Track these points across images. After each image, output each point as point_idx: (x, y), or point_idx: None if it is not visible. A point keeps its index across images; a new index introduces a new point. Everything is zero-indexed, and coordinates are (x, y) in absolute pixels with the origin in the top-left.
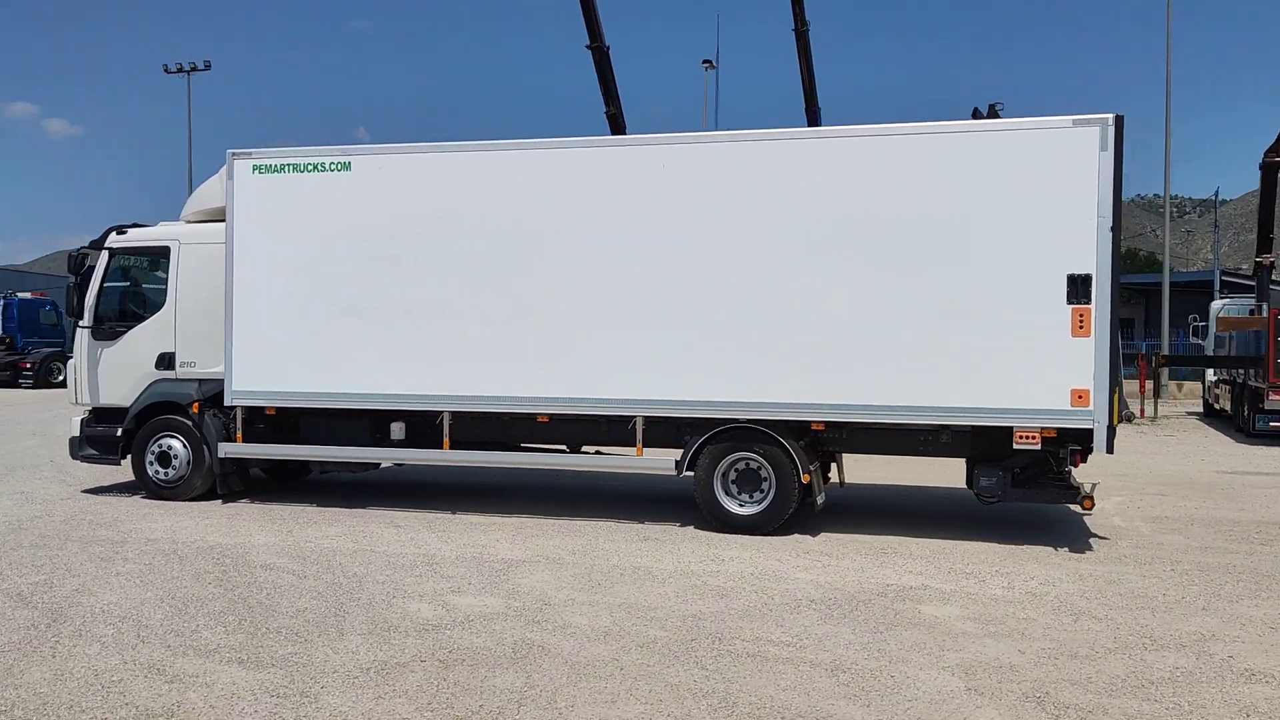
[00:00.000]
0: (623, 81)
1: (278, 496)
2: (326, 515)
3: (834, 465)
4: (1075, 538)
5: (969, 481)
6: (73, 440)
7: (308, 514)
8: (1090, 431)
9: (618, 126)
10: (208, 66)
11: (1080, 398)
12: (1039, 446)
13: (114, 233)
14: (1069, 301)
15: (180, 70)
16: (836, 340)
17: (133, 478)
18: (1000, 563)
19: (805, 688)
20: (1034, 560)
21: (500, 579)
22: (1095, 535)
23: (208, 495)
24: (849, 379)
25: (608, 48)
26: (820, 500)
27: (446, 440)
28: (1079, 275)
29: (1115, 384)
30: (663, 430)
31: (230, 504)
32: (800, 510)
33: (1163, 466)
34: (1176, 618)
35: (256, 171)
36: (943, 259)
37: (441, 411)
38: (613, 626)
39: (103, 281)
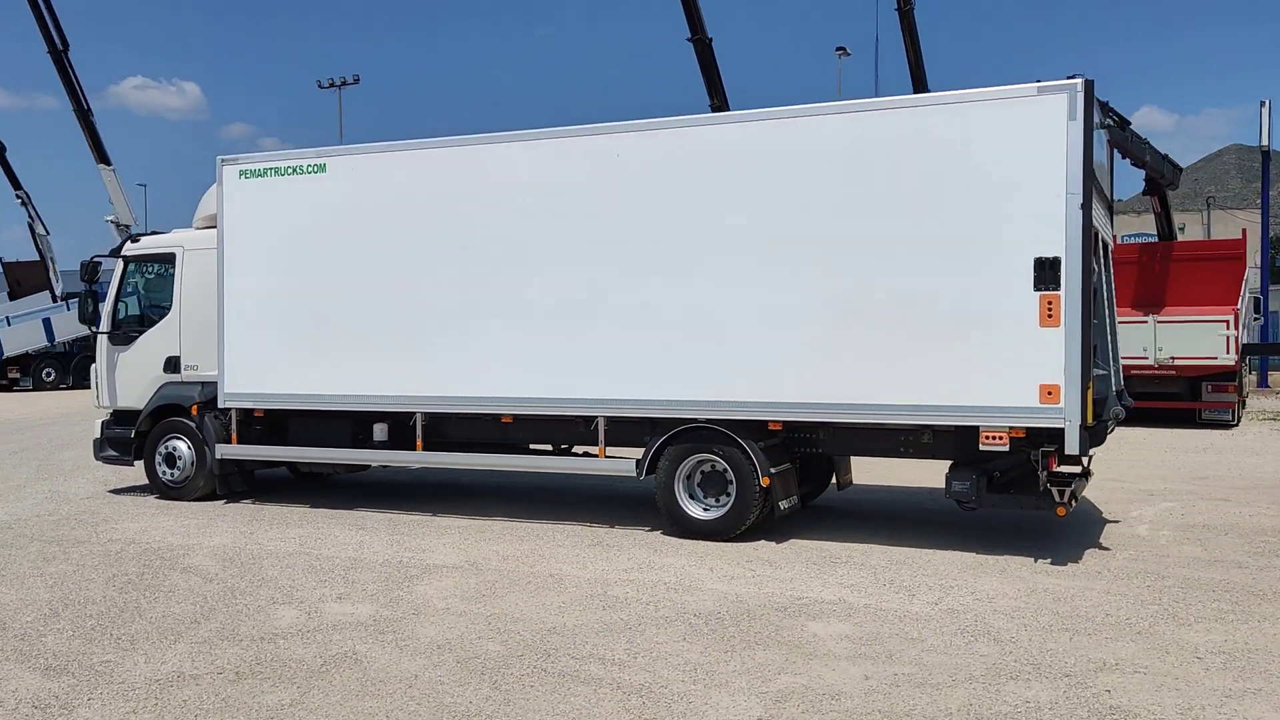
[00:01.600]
0: (752, 70)
1: (279, 497)
2: (306, 517)
3: (836, 467)
4: (1070, 548)
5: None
6: (95, 442)
7: (290, 515)
8: (1061, 432)
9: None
10: (356, 80)
11: (1050, 394)
12: (1007, 448)
13: (129, 241)
14: (1036, 288)
15: (332, 85)
16: (791, 335)
17: None
18: (954, 575)
19: (587, 712)
20: (997, 573)
21: (401, 586)
22: (1098, 546)
23: (212, 496)
24: (806, 376)
25: (710, 40)
26: (785, 505)
27: (419, 442)
28: (1047, 259)
29: (1088, 379)
30: (629, 431)
31: (231, 504)
32: (798, 514)
33: (1246, 468)
34: (1096, 642)
35: (243, 176)
36: (901, 244)
37: (414, 413)
38: (455, 640)
39: (119, 288)
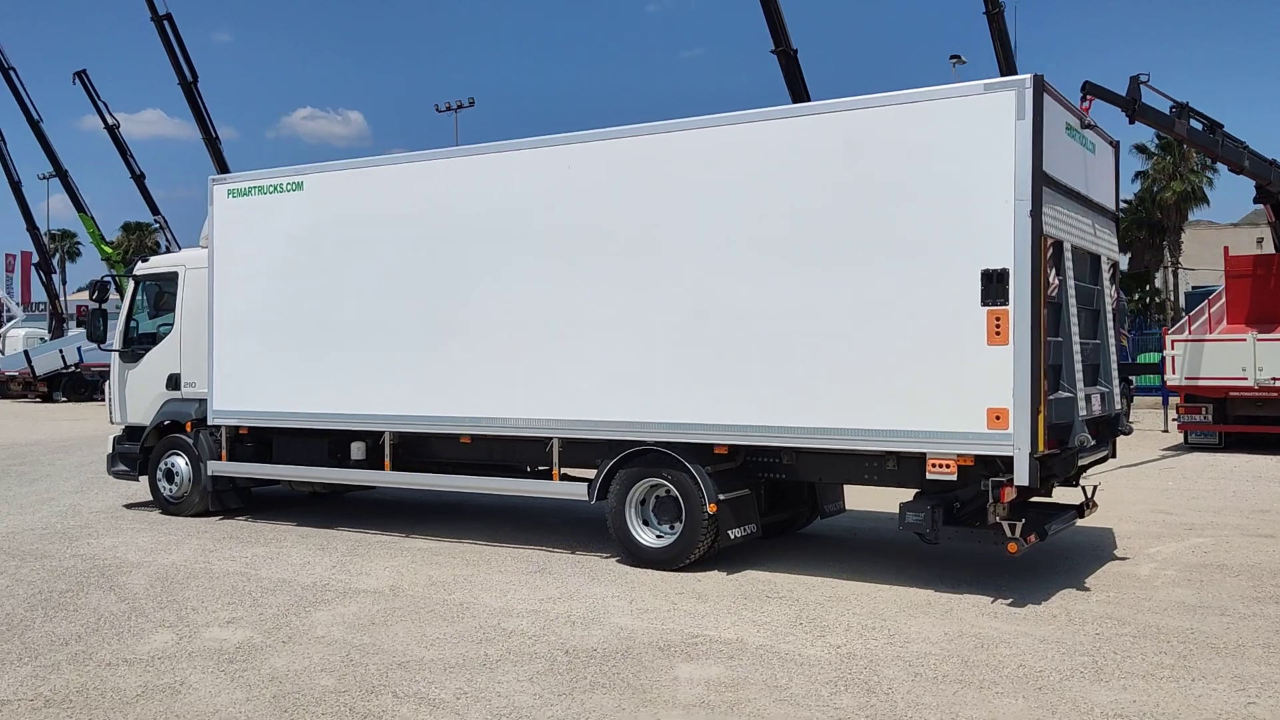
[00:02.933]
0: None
1: (273, 515)
2: (279, 535)
3: (819, 493)
4: (1045, 586)
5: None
6: (108, 457)
7: (265, 534)
8: (1010, 460)
9: None
10: (471, 103)
11: (998, 419)
12: (955, 477)
13: (141, 260)
14: (984, 302)
15: (449, 109)
16: (734, 354)
17: None
18: (889, 615)
19: None
20: (939, 614)
21: (300, 611)
22: (1078, 586)
23: (210, 512)
24: (751, 397)
25: (795, 51)
26: (737, 534)
27: (387, 461)
28: (994, 270)
29: (1039, 402)
30: (589, 453)
31: (224, 521)
32: (770, 542)
33: None
34: (982, 698)
35: (231, 195)
36: (846, 257)
37: (383, 432)
38: (296, 671)
39: (130, 306)
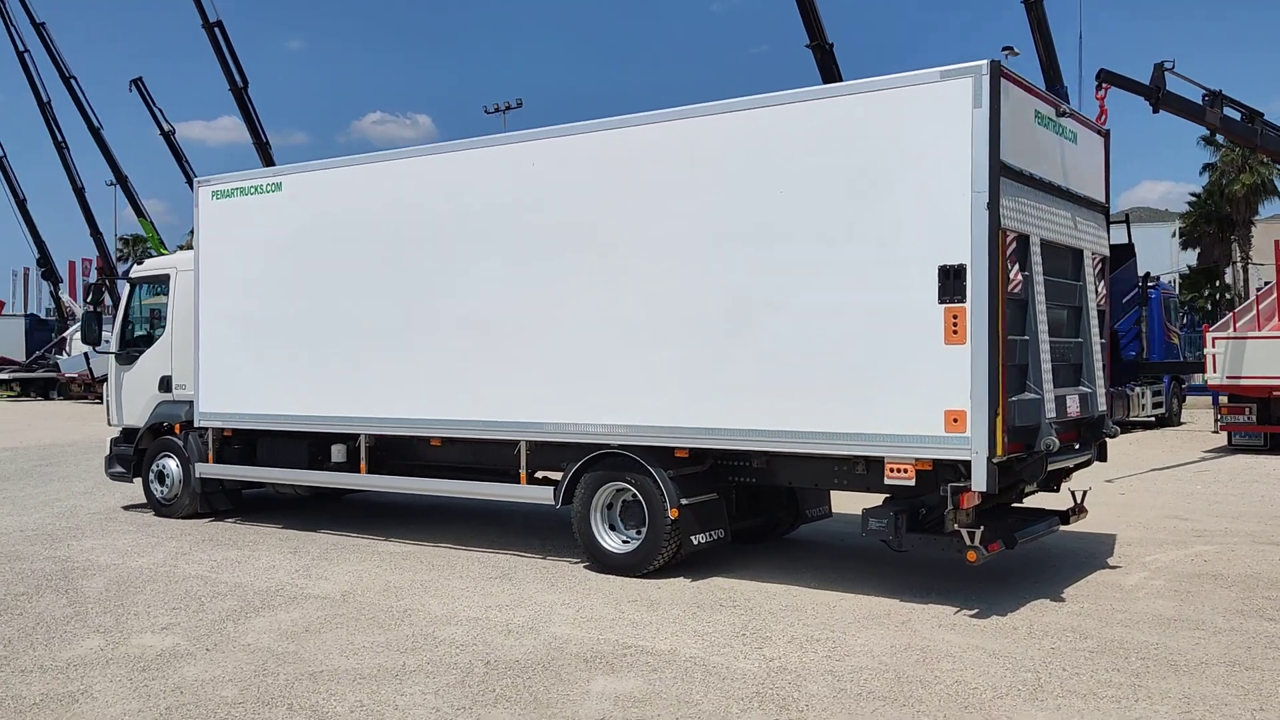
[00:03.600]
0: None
1: (261, 517)
2: (257, 539)
3: (800, 498)
4: (1019, 596)
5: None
6: (105, 459)
7: (244, 537)
8: (968, 464)
9: None
10: (520, 104)
11: (955, 421)
12: (913, 482)
13: (136, 263)
14: (941, 300)
15: (498, 110)
16: (691, 355)
17: None
18: (841, 625)
19: None
20: (896, 624)
21: (241, 618)
22: (1053, 596)
23: (200, 514)
24: (711, 398)
25: (830, 45)
26: (701, 540)
27: (363, 464)
28: (951, 267)
29: (997, 404)
30: (556, 456)
31: (211, 524)
32: (757, 546)
33: None
34: (905, 715)
35: (215, 197)
36: (804, 253)
37: (359, 434)
38: (205, 681)
39: (125, 309)
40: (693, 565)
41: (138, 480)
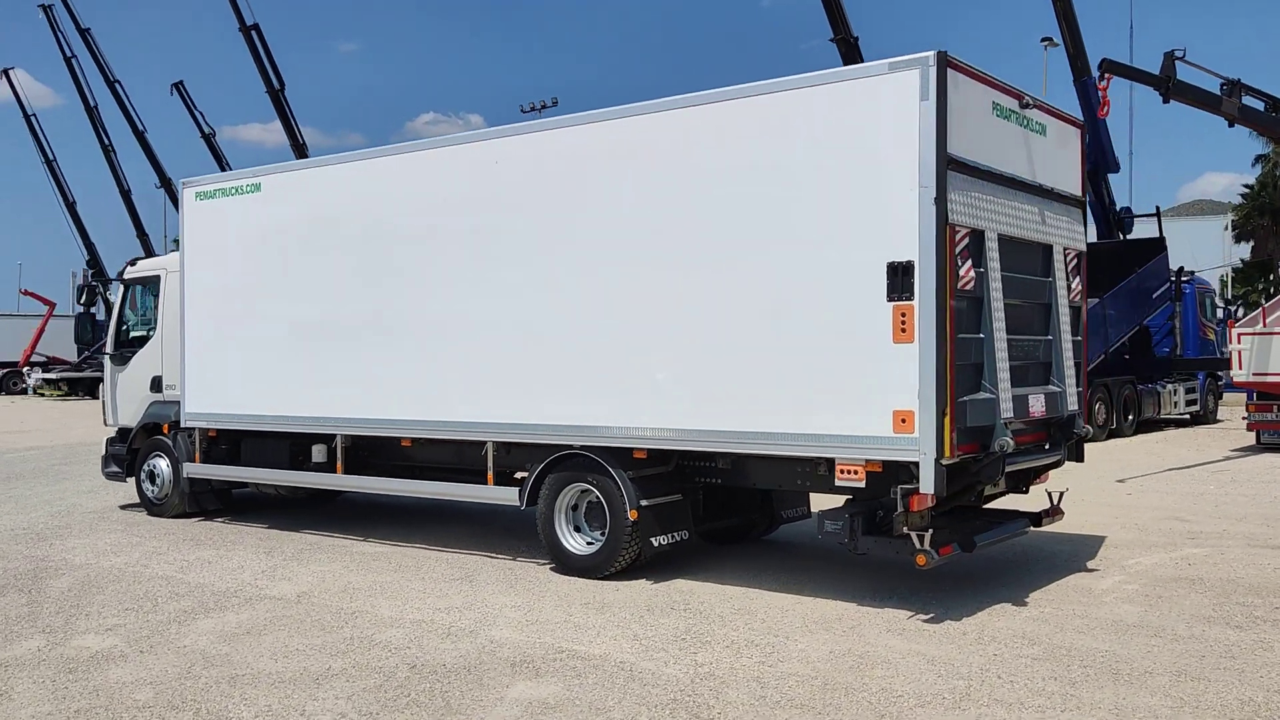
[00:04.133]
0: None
1: (250, 517)
2: (236, 538)
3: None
4: (979, 600)
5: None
6: (101, 458)
7: (225, 537)
8: (916, 465)
9: None
10: (555, 103)
11: (904, 422)
12: (863, 484)
13: (129, 264)
14: (889, 297)
15: (534, 109)
16: (642, 356)
17: None
18: (787, 630)
19: None
20: (844, 629)
21: (188, 619)
22: (1014, 601)
23: (189, 514)
24: (664, 400)
25: (855, 39)
26: (663, 542)
27: (339, 465)
28: (899, 263)
29: (944, 404)
30: (525, 457)
31: (199, 523)
32: (733, 548)
33: None
34: (807, 718)
35: (198, 198)
36: (752, 252)
37: (335, 434)
38: (123, 684)
39: (120, 310)
40: (657, 567)
41: (132, 480)
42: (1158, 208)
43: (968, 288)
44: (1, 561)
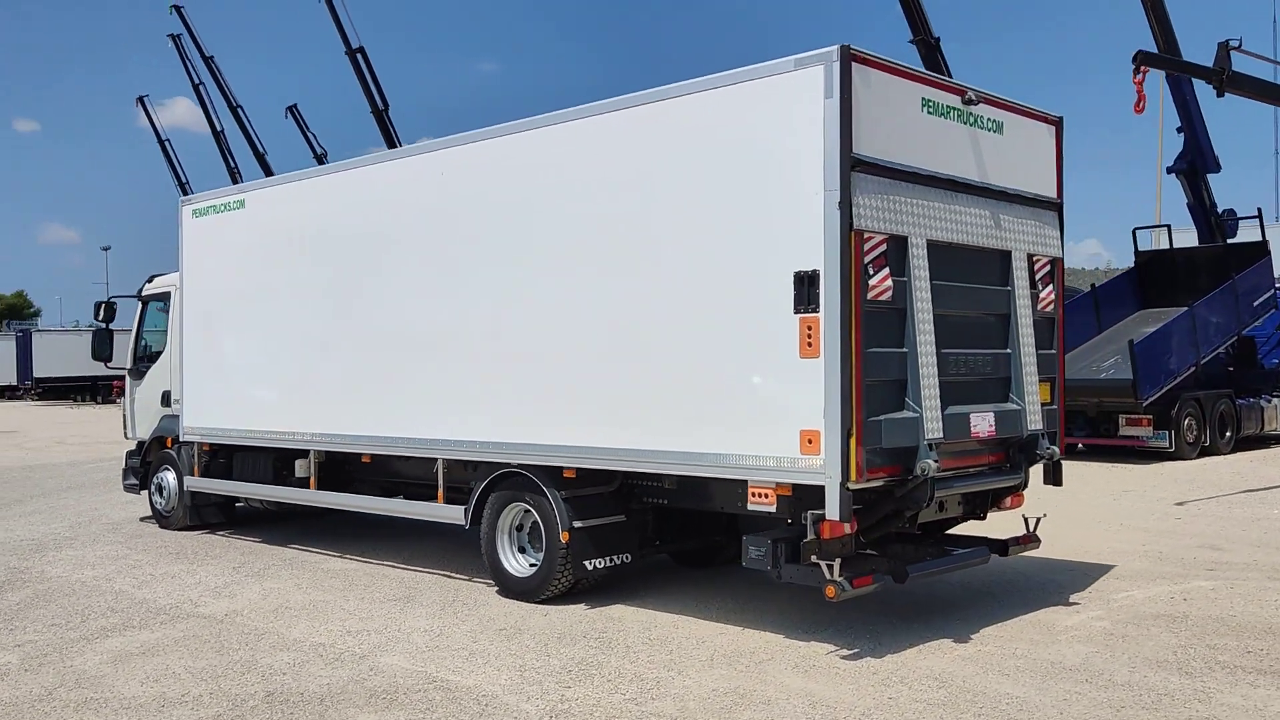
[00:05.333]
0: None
1: (250, 531)
2: (221, 552)
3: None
4: (919, 635)
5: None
6: (121, 471)
7: (211, 550)
8: (821, 490)
9: None
10: None
11: (810, 443)
12: (774, 509)
13: (148, 281)
14: (796, 310)
15: None
16: (566, 371)
17: None
18: (686, 665)
19: None
20: (752, 665)
21: (102, 637)
22: (957, 637)
23: (192, 526)
24: (586, 417)
25: (936, 40)
26: (598, 566)
27: (313, 480)
28: (805, 273)
29: (849, 424)
30: (475, 475)
31: (196, 536)
32: (697, 573)
33: None
34: None
35: (194, 215)
36: (661, 264)
37: (308, 449)
38: None
39: (138, 326)
40: (605, 590)
41: (145, 493)
42: (1259, 210)
43: (882, 298)
44: None
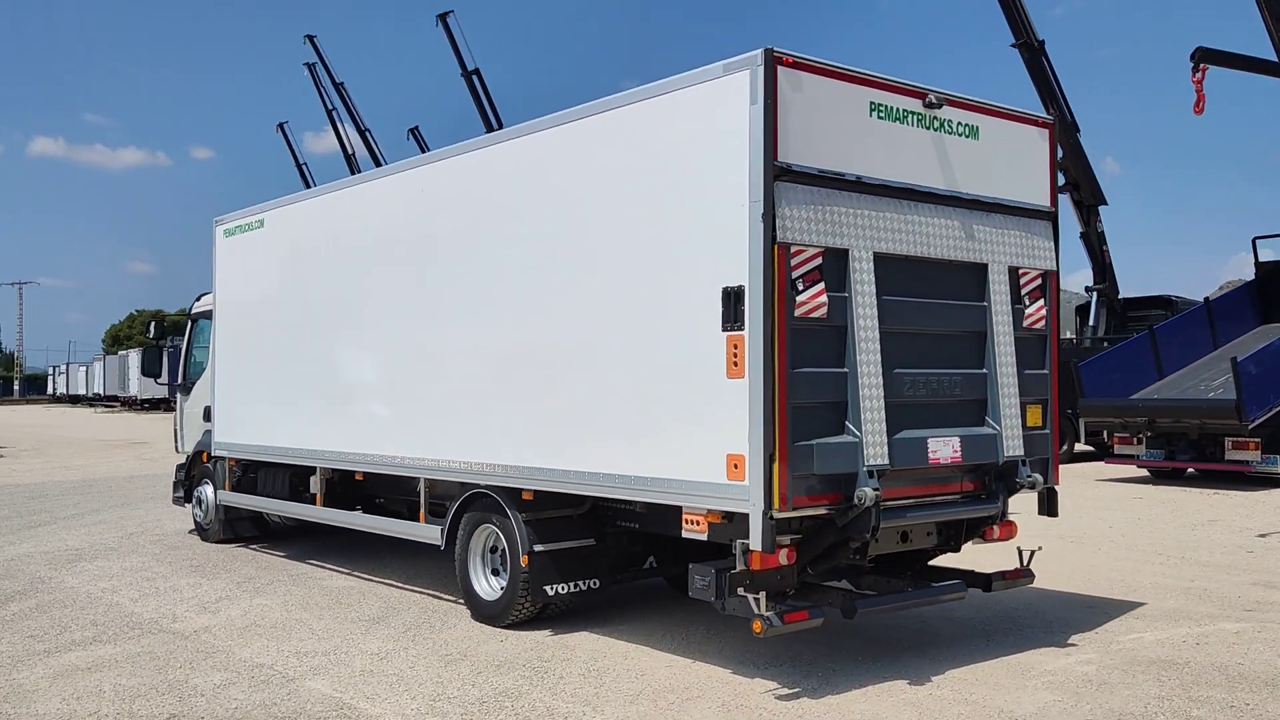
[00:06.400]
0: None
1: (279, 545)
2: (238, 565)
3: None
4: (876, 674)
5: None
6: (172, 484)
7: (231, 563)
8: (746, 518)
9: (1063, 132)
10: None
11: (735, 468)
12: (705, 536)
13: (197, 300)
14: (724, 327)
15: None
16: (516, 393)
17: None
18: (605, 702)
19: None
20: (669, 705)
21: (58, 653)
22: (913, 679)
23: (226, 540)
24: (538, 438)
25: (1040, 43)
26: (559, 591)
27: (320, 497)
28: (732, 289)
29: (773, 447)
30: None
31: (230, 549)
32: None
33: None
34: None
35: (225, 235)
36: (597, 286)
37: (316, 467)
38: None
39: (188, 343)
40: (576, 617)
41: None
42: None
43: (814, 314)
44: (5, 581)
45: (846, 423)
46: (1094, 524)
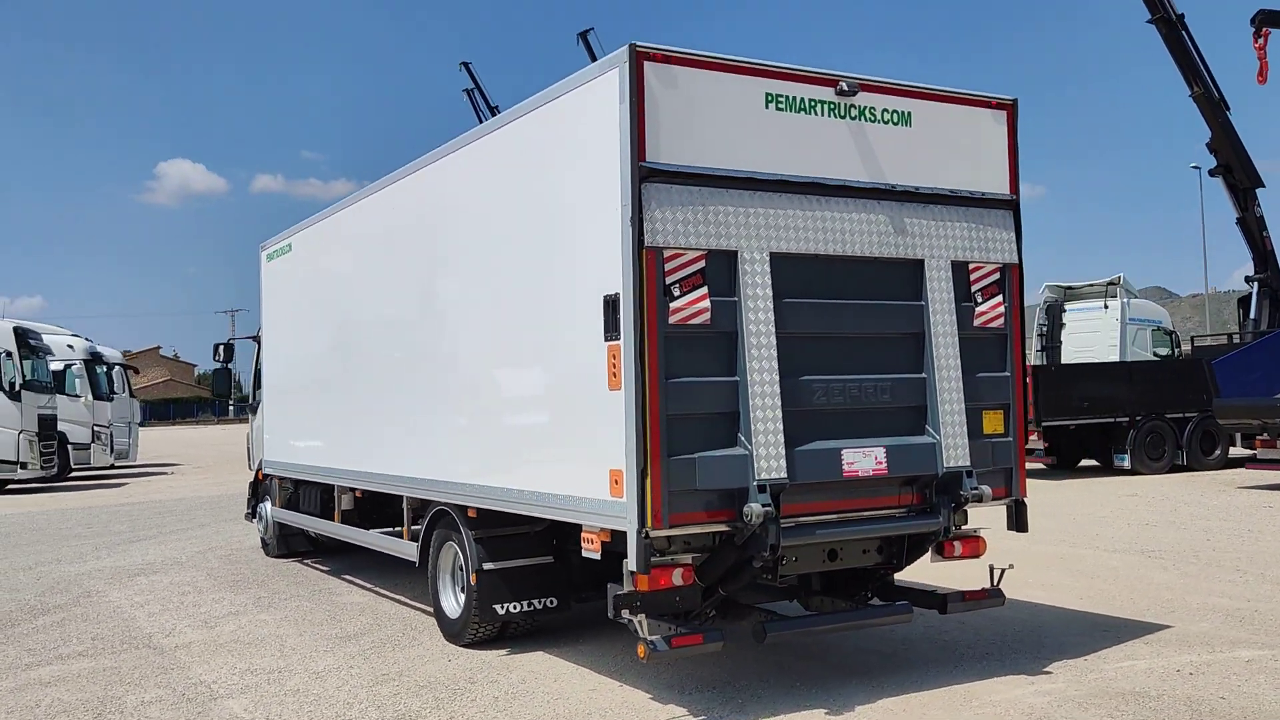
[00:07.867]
0: None
1: (329, 559)
2: (276, 579)
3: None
4: (820, 701)
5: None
6: (246, 500)
7: (272, 578)
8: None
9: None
10: None
11: (616, 483)
12: (599, 554)
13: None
14: (606, 337)
15: None
16: (448, 411)
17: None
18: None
19: None
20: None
21: (43, 665)
22: (838, 710)
23: (282, 555)
24: (469, 453)
25: (1180, 16)
26: (510, 610)
27: (338, 513)
28: (610, 297)
29: (645, 461)
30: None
31: (282, 563)
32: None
33: None
34: None
35: (268, 259)
36: (500, 299)
37: (332, 484)
38: None
39: (256, 363)
40: (539, 636)
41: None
42: None
43: (695, 321)
44: (47, 595)
45: (739, 434)
46: (1191, 536)
